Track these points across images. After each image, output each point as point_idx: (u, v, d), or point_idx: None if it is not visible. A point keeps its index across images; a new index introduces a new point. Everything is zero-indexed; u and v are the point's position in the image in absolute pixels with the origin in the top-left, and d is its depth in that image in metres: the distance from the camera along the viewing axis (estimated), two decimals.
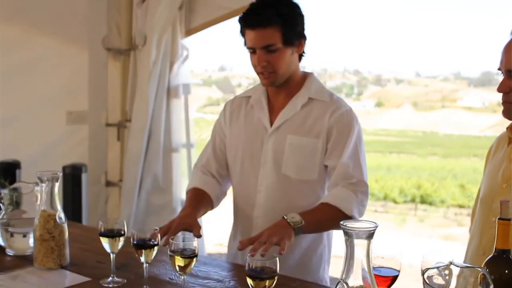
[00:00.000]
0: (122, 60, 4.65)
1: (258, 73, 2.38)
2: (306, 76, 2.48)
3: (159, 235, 1.96)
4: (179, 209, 4.53)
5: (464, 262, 2.22)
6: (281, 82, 2.39)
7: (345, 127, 2.37)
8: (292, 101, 2.43)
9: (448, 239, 12.20)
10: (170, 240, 1.84)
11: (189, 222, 2.26)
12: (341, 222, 1.43)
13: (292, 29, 2.32)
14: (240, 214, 2.57)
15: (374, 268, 1.72)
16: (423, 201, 18.28)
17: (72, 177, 4.23)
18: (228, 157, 2.59)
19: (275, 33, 2.28)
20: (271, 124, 2.44)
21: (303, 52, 2.44)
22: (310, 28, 2.43)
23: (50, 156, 4.40)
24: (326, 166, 2.41)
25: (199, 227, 2.23)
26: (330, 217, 2.28)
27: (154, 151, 4.49)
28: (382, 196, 18.59)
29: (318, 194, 2.43)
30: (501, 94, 2.02)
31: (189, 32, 4.44)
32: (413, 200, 18.33)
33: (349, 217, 2.25)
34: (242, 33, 2.38)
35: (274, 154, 2.41)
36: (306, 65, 2.50)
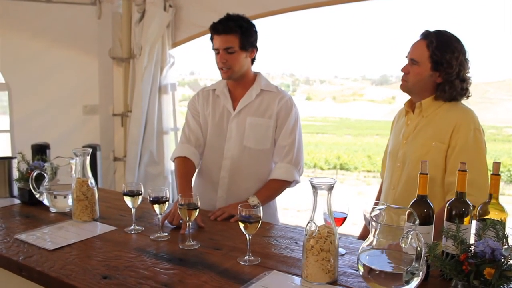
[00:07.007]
0: (123, 66, 4.56)
1: (219, 69, 2.38)
2: (256, 74, 2.50)
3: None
4: (169, 177, 4.51)
5: (380, 197, 2.37)
6: (235, 77, 2.40)
7: (288, 109, 2.42)
8: (248, 92, 2.44)
9: (360, 195, 12.62)
10: (179, 196, 1.81)
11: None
12: (310, 179, 1.45)
13: (247, 39, 2.34)
14: (206, 175, 2.52)
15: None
16: (342, 168, 18.59)
17: (90, 154, 4.12)
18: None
19: (234, 39, 2.31)
20: (234, 109, 2.45)
21: (254, 58, 2.46)
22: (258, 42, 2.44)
23: (71, 139, 4.28)
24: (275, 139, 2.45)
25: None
26: (278, 188, 2.41)
27: (150, 133, 4.43)
28: (312, 165, 18.81)
29: (270, 160, 2.46)
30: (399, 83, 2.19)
31: (174, 44, 4.38)
32: (334, 167, 18.63)
33: (291, 182, 2.41)
34: (211, 38, 2.38)
35: (237, 131, 2.43)
36: (255, 68, 2.51)
